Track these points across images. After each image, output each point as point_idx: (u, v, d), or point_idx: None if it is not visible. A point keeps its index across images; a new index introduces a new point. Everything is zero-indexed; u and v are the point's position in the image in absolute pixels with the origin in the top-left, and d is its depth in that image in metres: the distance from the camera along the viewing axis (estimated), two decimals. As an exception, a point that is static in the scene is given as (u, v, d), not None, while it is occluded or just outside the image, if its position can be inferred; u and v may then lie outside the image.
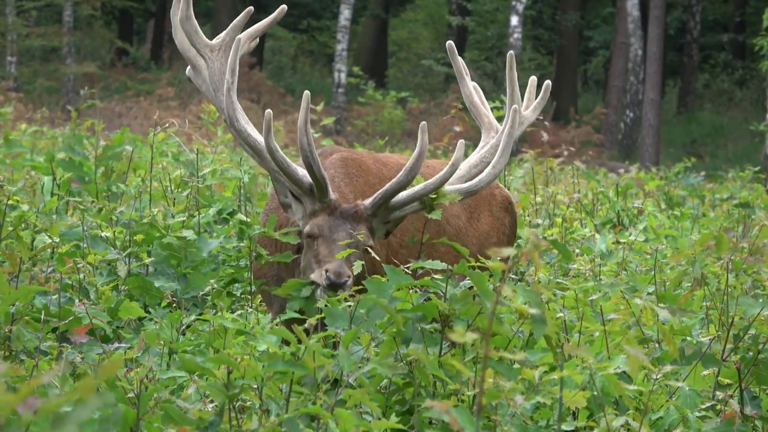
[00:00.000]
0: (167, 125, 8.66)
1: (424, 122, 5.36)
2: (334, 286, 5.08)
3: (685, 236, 9.09)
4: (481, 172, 5.54)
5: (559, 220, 8.88)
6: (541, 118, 11.15)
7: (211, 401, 4.20)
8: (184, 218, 6.88)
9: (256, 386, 4.00)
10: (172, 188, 8.06)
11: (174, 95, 29.27)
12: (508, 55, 5.82)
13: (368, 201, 5.31)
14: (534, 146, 23.36)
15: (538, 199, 9.80)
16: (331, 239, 5.22)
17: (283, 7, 5.79)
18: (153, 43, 36.56)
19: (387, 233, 5.42)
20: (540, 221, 9.11)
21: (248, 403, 4.09)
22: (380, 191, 5.30)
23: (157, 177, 8.16)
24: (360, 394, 3.95)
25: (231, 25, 5.54)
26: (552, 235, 8.52)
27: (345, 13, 28.36)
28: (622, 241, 7.90)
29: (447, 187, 5.39)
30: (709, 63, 38.36)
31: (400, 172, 5.30)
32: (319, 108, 12.38)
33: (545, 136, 10.40)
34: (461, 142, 5.33)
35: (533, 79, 5.92)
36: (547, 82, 5.84)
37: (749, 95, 36.10)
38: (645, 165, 24.58)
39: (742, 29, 37.66)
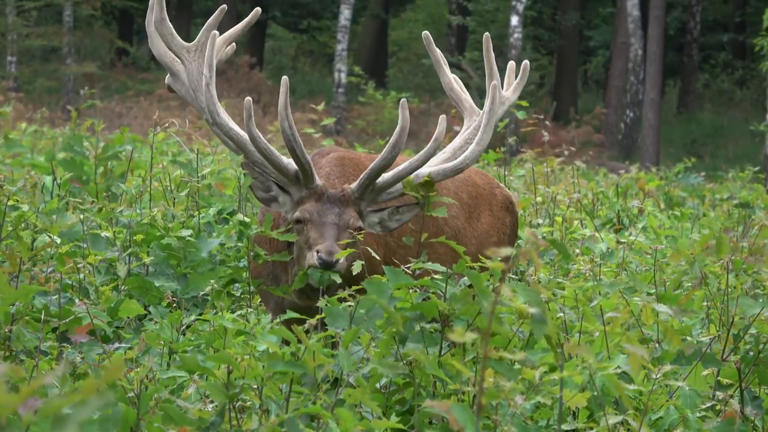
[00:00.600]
0: (167, 125, 8.65)
1: (404, 99, 5.37)
2: (326, 266, 5.09)
3: (685, 236, 9.09)
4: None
5: (559, 219, 8.88)
6: (542, 117, 11.15)
7: (211, 401, 4.19)
8: (184, 219, 6.88)
9: (256, 386, 4.00)
10: (172, 188, 8.05)
11: (174, 95, 29.24)
12: (484, 36, 5.85)
13: (354, 184, 5.33)
14: (534, 146, 23.35)
15: (539, 199, 9.80)
16: (320, 223, 5.23)
17: (257, 9, 5.79)
18: (153, 43, 36.48)
19: (384, 226, 5.39)
20: (540, 221, 9.10)
21: (248, 403, 4.09)
22: (365, 172, 5.31)
23: (157, 177, 8.15)
24: (360, 394, 3.95)
25: (206, 24, 5.53)
26: (551, 233, 8.51)
27: (345, 13, 28.35)
28: (622, 241, 7.89)
29: (433, 168, 5.40)
30: (709, 63, 38.35)
31: (384, 150, 5.30)
32: (320, 108, 12.36)
33: (546, 136, 10.40)
34: (443, 117, 5.34)
35: (512, 64, 5.96)
36: (525, 62, 5.89)
37: (749, 95, 36.09)
38: (645, 165, 24.57)
39: (742, 29, 37.65)
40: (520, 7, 26.96)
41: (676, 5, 35.60)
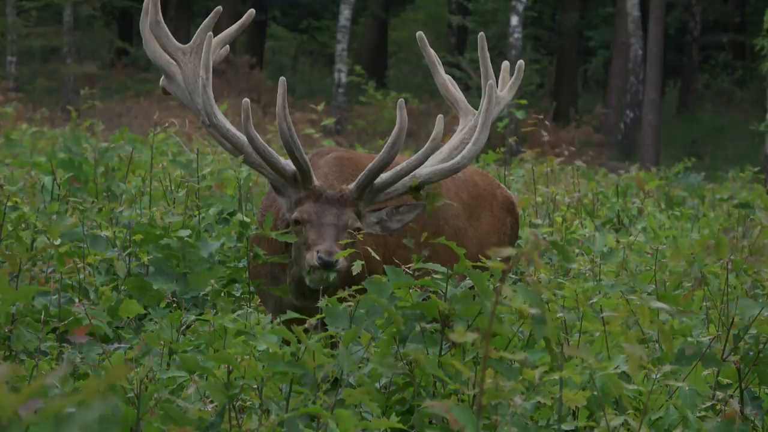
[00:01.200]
0: (167, 125, 8.66)
1: (401, 99, 5.37)
2: (325, 266, 5.08)
3: (685, 236, 9.09)
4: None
5: (559, 219, 8.88)
6: (542, 117, 11.15)
7: (211, 401, 4.20)
8: (183, 219, 6.88)
9: (256, 386, 4.00)
10: (173, 188, 8.05)
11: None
12: (479, 36, 5.84)
13: (353, 184, 5.32)
14: (534, 146, 23.34)
15: (539, 199, 9.80)
16: (318, 223, 5.22)
17: (251, 11, 5.79)
18: (153, 43, 36.44)
19: (384, 227, 5.39)
20: (540, 221, 9.10)
21: (248, 403, 4.09)
22: (363, 172, 5.30)
23: (157, 177, 8.15)
24: (360, 394, 3.95)
25: (201, 26, 5.52)
26: (551, 233, 8.51)
27: (345, 13, 28.36)
28: (622, 240, 7.90)
29: (430, 168, 5.40)
30: (709, 63, 38.36)
31: (382, 150, 5.29)
32: (320, 108, 12.36)
33: (545, 136, 10.40)
34: (440, 117, 5.34)
35: (506, 63, 5.96)
36: (520, 62, 5.88)
37: (749, 95, 36.09)
38: (645, 165, 24.57)
39: (742, 29, 37.65)
40: (520, 7, 26.96)
41: (676, 5, 35.59)
